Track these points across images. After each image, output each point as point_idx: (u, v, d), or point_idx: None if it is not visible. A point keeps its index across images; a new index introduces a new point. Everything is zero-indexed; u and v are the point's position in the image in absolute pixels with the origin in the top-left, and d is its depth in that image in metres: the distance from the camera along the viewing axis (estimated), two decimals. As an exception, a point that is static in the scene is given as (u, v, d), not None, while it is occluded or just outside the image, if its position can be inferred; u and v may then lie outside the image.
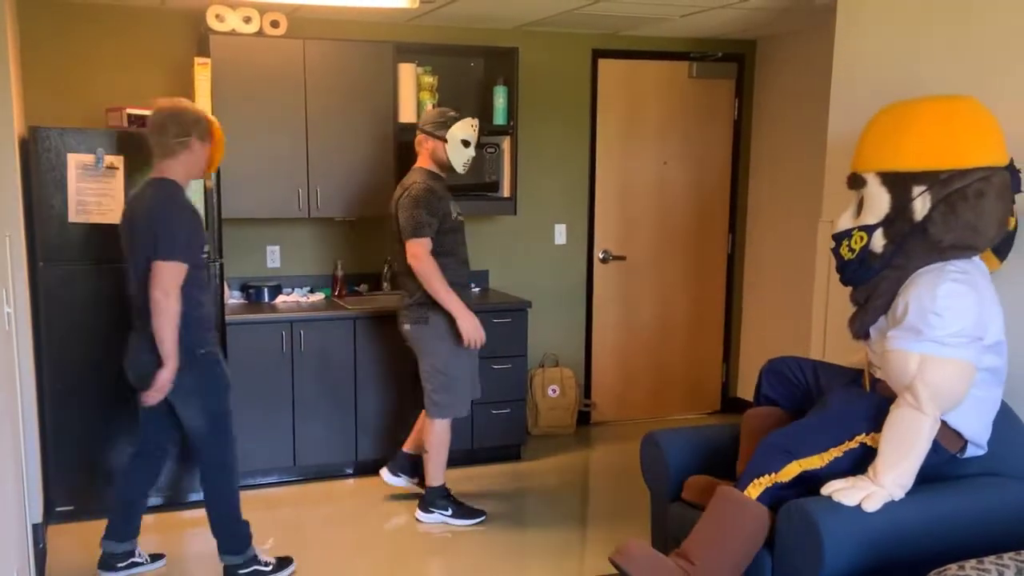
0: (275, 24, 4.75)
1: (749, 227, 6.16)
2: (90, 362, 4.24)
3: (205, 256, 3.59)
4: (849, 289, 3.00)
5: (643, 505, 3.54)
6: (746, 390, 6.20)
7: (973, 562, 2.23)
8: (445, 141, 4.14)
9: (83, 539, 4.10)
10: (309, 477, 4.79)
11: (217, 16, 4.60)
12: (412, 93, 5.00)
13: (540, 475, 5.08)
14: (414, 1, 4.30)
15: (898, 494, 2.64)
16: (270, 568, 3.71)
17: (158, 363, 3.41)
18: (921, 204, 2.69)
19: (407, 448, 4.56)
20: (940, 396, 2.62)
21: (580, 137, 5.75)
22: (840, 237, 2.86)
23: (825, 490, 2.68)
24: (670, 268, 6.04)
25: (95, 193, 4.13)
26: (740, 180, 6.12)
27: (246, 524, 3.68)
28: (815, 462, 2.77)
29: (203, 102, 4.58)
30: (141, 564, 3.79)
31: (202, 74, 4.57)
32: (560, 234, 5.81)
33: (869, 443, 2.77)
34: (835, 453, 2.77)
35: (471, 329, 4.13)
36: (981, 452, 2.83)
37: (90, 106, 4.68)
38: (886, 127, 2.79)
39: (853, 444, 2.77)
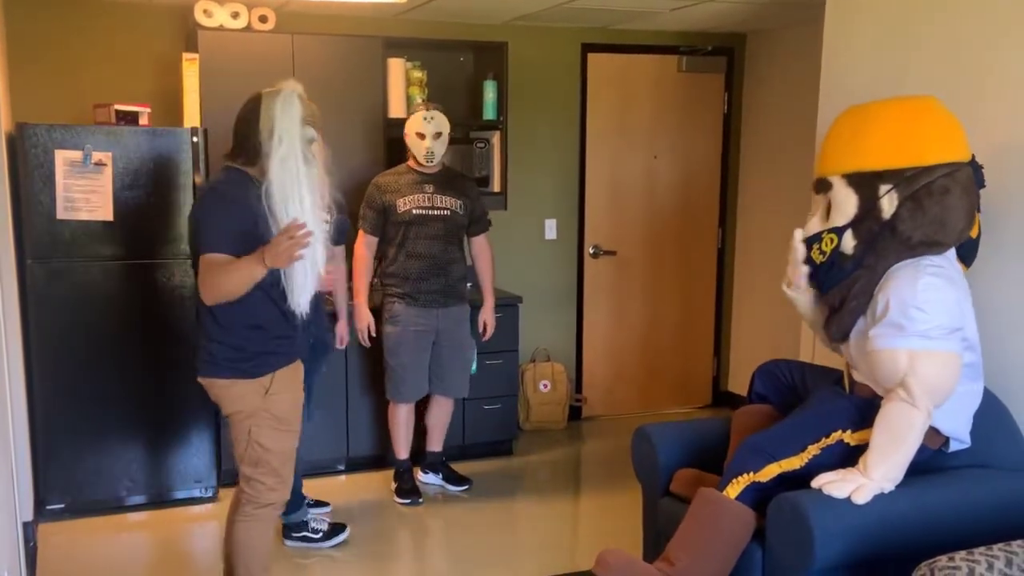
0: (263, 19, 4.73)
1: (739, 221, 6.17)
2: (79, 359, 4.22)
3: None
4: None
5: (635, 499, 3.54)
6: (737, 384, 6.21)
7: (963, 553, 2.24)
8: (406, 135, 4.39)
9: (74, 537, 4.09)
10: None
11: (205, 11, 4.58)
12: (401, 88, 4.99)
13: (532, 470, 5.08)
14: (403, -4, 4.29)
15: (887, 487, 2.65)
16: (319, 536, 4.02)
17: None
18: (888, 202, 2.71)
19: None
20: (933, 390, 2.63)
21: (570, 132, 5.75)
22: (810, 241, 2.88)
23: (815, 483, 2.69)
24: (660, 263, 6.05)
25: (83, 190, 4.11)
26: (730, 174, 6.13)
27: (300, 493, 4.01)
28: (794, 463, 2.79)
29: (191, 98, 4.56)
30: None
31: (190, 70, 4.55)
32: (551, 229, 5.80)
33: (847, 440, 2.78)
34: (813, 451, 2.79)
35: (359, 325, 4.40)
36: (964, 446, 2.84)
37: (78, 102, 4.65)
38: (848, 130, 2.81)
39: (830, 440, 2.79)
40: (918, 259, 2.71)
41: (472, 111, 5.34)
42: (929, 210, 2.67)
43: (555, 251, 5.83)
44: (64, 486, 4.27)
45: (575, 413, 5.90)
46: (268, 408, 2.99)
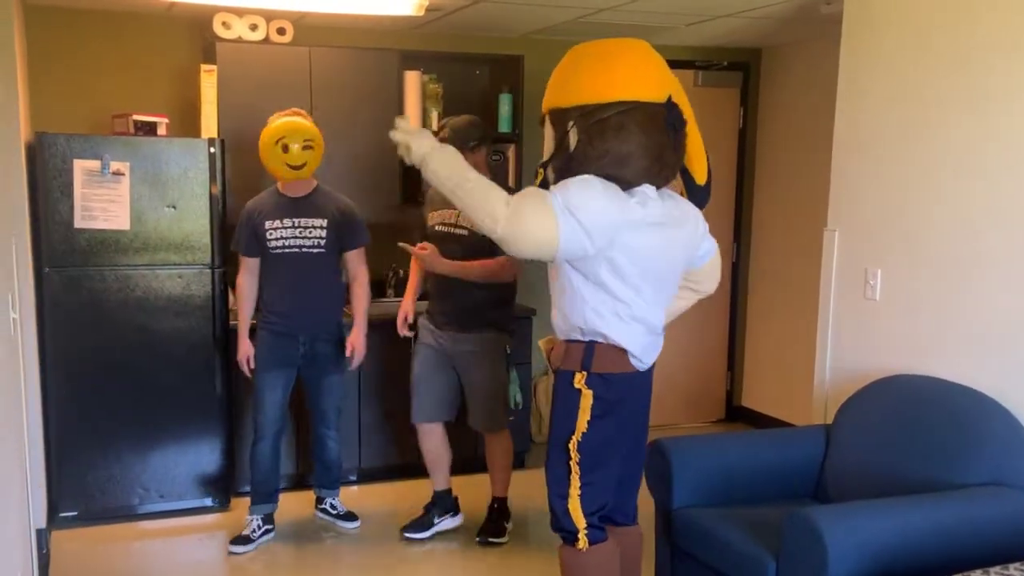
0: (281, 31, 4.77)
1: (754, 235, 6.16)
2: (94, 367, 4.25)
3: (283, 249, 4.06)
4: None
5: (648, 512, 3.53)
6: (751, 399, 6.19)
7: (979, 572, 2.23)
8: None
9: (87, 544, 4.11)
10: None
11: (223, 23, 4.62)
12: (418, 101, 5.01)
13: (544, 483, 5.05)
14: (420, 9, 4.31)
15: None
16: (248, 530, 4.13)
17: None
18: (573, 137, 2.76)
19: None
20: (517, 214, 2.63)
21: (585, 145, 5.75)
22: (534, 177, 2.94)
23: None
24: (675, 276, 6.03)
25: (101, 199, 4.15)
26: (745, 188, 6.13)
27: (257, 492, 4.17)
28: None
29: (208, 109, 4.60)
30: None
31: (208, 81, 4.59)
32: (565, 242, 5.79)
33: (576, 385, 3.02)
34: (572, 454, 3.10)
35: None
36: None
37: (96, 112, 4.70)
38: (560, 69, 2.88)
39: (577, 429, 3.01)
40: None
41: (488, 124, 5.34)
42: (600, 146, 2.69)
43: (569, 264, 5.81)
44: (77, 493, 4.29)
45: (588, 427, 5.87)
46: None
